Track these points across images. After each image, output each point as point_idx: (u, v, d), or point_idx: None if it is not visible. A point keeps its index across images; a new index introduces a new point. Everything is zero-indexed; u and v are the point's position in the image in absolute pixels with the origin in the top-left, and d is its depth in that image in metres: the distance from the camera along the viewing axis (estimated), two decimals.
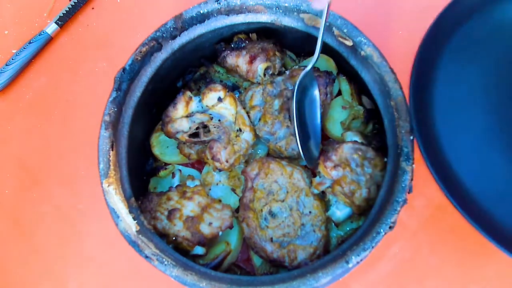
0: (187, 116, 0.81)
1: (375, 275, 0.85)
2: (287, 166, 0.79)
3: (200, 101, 0.82)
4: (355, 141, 0.76)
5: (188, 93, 0.82)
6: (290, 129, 0.80)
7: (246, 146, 0.80)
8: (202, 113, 0.81)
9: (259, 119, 0.82)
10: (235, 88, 0.91)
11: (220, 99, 0.81)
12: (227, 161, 0.78)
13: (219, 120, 0.80)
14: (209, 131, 0.79)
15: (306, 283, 0.65)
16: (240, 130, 0.80)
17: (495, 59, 0.74)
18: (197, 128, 0.80)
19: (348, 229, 0.78)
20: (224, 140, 0.78)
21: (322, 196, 0.80)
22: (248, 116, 0.82)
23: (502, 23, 0.74)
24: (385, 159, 0.73)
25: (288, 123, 0.80)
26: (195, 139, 0.79)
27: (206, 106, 0.81)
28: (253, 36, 0.87)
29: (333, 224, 0.80)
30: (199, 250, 0.77)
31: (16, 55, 1.01)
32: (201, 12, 0.81)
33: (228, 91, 0.81)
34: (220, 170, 0.80)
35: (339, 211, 0.78)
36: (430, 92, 0.72)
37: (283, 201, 0.77)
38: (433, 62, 0.73)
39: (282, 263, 0.74)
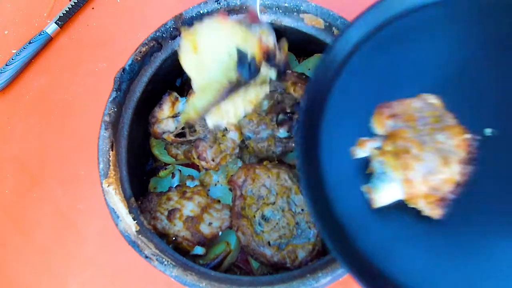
0: (173, 117, 0.81)
1: None
2: (273, 169, 0.78)
3: (186, 101, 0.82)
4: (431, 103, 0.60)
5: (174, 93, 0.82)
6: (275, 132, 0.79)
7: (232, 145, 0.80)
8: None
9: (244, 116, 0.82)
10: None
11: None
12: (213, 160, 0.78)
13: (205, 120, 0.80)
14: (195, 130, 0.80)
15: (306, 283, 0.65)
16: (226, 129, 0.80)
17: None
18: (183, 128, 0.80)
19: None
20: (209, 139, 0.78)
21: None
22: None
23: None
24: (468, 136, 0.56)
25: (273, 126, 0.79)
26: (181, 139, 0.80)
27: None
28: None
29: None
30: (199, 250, 0.77)
31: (16, 55, 1.01)
32: (201, 12, 0.81)
33: None
34: (206, 170, 0.80)
35: (384, 184, 0.57)
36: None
37: (274, 203, 0.77)
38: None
39: (283, 265, 0.74)
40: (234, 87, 0.65)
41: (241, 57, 0.64)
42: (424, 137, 0.54)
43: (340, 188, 0.61)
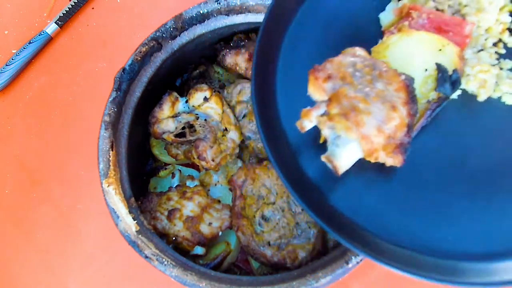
0: (173, 117, 0.81)
1: (375, 275, 0.85)
2: (273, 169, 0.78)
3: (186, 101, 0.82)
4: (359, 54, 0.58)
5: (174, 93, 0.82)
6: None
7: (233, 145, 0.80)
8: (188, 113, 0.81)
9: (244, 116, 0.82)
10: None
11: (206, 99, 0.81)
12: (213, 160, 0.78)
13: (205, 120, 0.81)
14: (195, 130, 0.80)
15: (306, 283, 0.65)
16: (226, 129, 0.80)
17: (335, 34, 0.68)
18: (183, 128, 0.80)
19: None
20: (210, 139, 0.78)
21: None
22: (233, 111, 0.83)
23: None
24: (402, 77, 0.54)
25: None
26: (181, 139, 0.80)
27: (193, 106, 0.82)
28: (253, 36, 0.87)
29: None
30: (199, 250, 0.77)
31: (16, 55, 1.01)
32: (201, 12, 0.81)
33: (214, 91, 0.82)
34: (206, 170, 0.80)
35: (341, 148, 0.55)
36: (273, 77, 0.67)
37: (274, 203, 0.77)
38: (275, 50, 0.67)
39: (283, 265, 0.74)
40: (436, 106, 0.59)
41: (442, 73, 0.58)
42: (365, 89, 0.53)
43: (303, 154, 0.63)
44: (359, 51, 0.58)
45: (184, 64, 0.90)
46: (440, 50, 0.60)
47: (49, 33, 1.03)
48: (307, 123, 0.56)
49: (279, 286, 0.66)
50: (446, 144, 0.61)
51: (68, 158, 0.98)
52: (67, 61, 1.04)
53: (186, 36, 0.82)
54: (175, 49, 0.82)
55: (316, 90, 0.56)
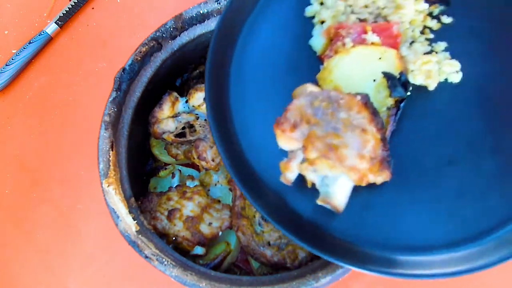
0: (173, 117, 0.81)
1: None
2: None
3: (186, 101, 0.83)
4: (310, 92, 0.58)
5: (174, 93, 0.83)
6: None
7: None
8: (188, 113, 0.82)
9: None
10: None
11: None
12: (213, 160, 0.78)
13: (205, 120, 0.81)
14: (195, 130, 0.80)
15: (306, 283, 0.65)
16: None
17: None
18: (183, 128, 0.81)
19: None
20: (210, 139, 0.78)
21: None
22: None
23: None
24: (358, 98, 0.55)
25: None
26: (181, 139, 0.80)
27: (193, 106, 0.82)
28: None
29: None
30: (199, 250, 0.77)
31: (16, 55, 1.01)
32: (201, 12, 0.81)
33: None
34: (206, 170, 0.80)
35: (332, 187, 0.56)
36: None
37: None
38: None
39: (283, 265, 0.74)
40: (397, 110, 0.61)
41: (391, 79, 0.60)
42: (331, 124, 0.54)
43: (292, 197, 0.61)
44: (310, 87, 0.58)
45: (184, 64, 0.90)
46: (380, 58, 0.62)
47: (49, 33, 1.03)
48: (290, 175, 0.57)
49: (279, 286, 0.66)
50: (415, 140, 0.62)
51: (68, 158, 0.98)
52: (67, 61, 1.04)
53: (186, 36, 0.82)
54: (175, 49, 0.82)
55: (287, 142, 0.56)
